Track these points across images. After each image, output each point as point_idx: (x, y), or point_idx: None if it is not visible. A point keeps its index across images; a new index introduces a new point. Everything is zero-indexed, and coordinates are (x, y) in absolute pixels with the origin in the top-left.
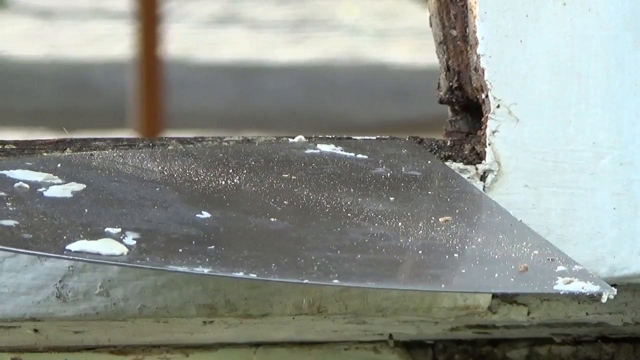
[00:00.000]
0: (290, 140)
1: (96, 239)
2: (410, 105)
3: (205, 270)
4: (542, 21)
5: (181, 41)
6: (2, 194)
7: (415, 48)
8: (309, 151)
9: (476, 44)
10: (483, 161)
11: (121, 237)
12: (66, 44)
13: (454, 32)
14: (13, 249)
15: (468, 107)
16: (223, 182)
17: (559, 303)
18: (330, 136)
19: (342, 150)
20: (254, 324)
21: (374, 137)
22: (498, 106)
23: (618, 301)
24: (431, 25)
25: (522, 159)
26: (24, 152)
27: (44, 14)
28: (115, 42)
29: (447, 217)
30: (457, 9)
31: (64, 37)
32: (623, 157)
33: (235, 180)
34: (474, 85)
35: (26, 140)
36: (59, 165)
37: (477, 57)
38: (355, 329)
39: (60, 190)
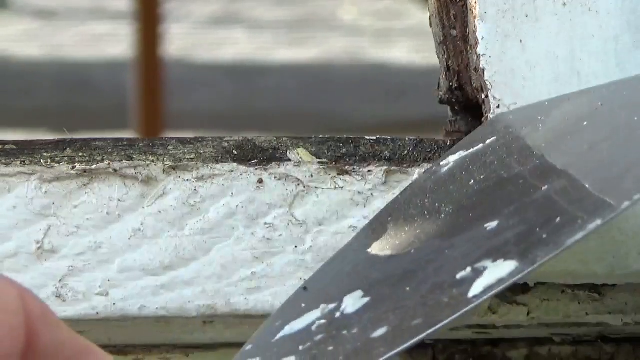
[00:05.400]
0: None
1: None
2: (410, 105)
3: None
4: (542, 21)
5: (181, 41)
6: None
7: (415, 48)
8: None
9: (476, 44)
10: None
11: None
12: (66, 44)
13: (454, 32)
14: None
15: (468, 107)
16: None
17: (559, 303)
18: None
19: (461, 155)
20: (254, 324)
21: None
22: (498, 106)
23: (618, 301)
24: (431, 25)
25: None
26: (24, 152)
27: (44, 14)
28: (115, 42)
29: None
30: (457, 9)
31: (64, 37)
32: None
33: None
34: (474, 85)
35: (26, 140)
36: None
37: (477, 57)
38: None
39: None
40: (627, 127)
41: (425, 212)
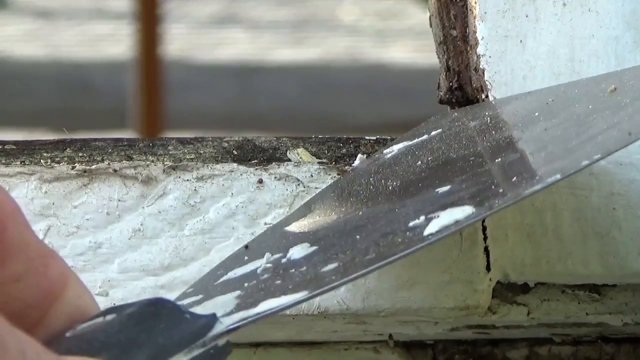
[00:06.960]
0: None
1: None
2: (410, 105)
3: None
4: (542, 21)
5: (181, 41)
6: None
7: (415, 48)
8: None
9: (476, 44)
10: None
11: None
12: (66, 44)
13: (454, 32)
14: None
15: None
16: None
17: (559, 303)
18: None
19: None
20: (254, 324)
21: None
22: None
23: (618, 301)
24: (431, 25)
25: None
26: (24, 152)
27: (44, 14)
28: (115, 42)
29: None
30: (457, 9)
31: (64, 37)
32: (623, 157)
33: None
34: (474, 85)
35: (26, 140)
36: None
37: (477, 57)
38: (356, 329)
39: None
40: (577, 115)
41: (371, 187)
